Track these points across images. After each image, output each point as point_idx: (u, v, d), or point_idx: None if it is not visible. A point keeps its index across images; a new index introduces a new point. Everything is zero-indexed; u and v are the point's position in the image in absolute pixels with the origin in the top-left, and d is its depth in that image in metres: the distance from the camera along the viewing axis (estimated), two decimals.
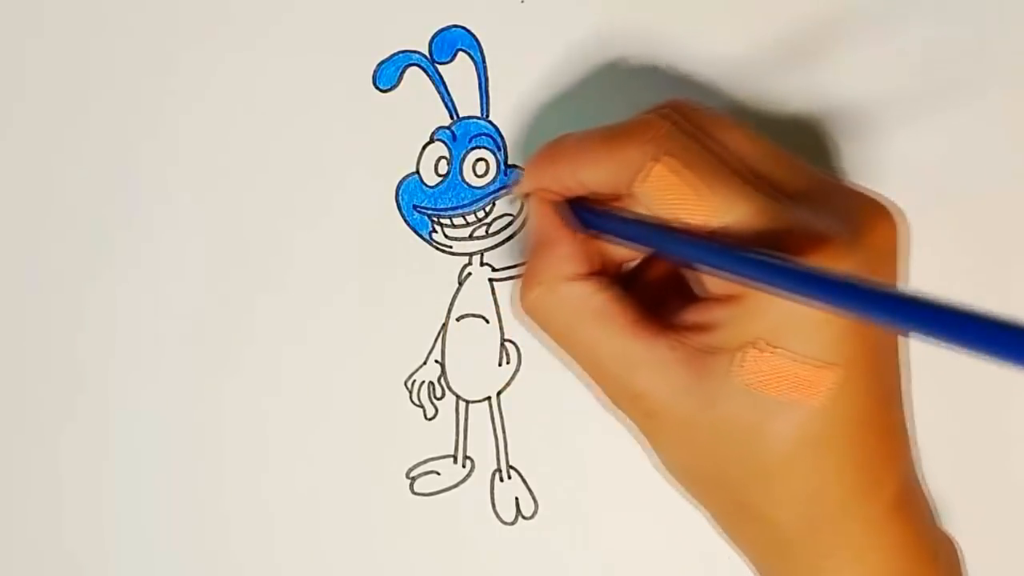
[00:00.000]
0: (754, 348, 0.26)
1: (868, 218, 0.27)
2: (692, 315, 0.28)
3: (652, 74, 0.34)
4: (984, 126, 0.34)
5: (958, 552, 0.31)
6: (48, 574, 0.34)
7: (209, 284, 0.34)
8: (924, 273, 0.32)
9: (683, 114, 0.29)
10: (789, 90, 0.34)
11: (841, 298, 0.23)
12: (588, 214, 0.30)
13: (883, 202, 0.28)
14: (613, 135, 0.29)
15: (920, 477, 0.32)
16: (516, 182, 0.33)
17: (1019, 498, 0.34)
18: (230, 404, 0.34)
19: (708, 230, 0.27)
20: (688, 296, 0.29)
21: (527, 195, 0.31)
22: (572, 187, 0.30)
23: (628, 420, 0.30)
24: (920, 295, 0.21)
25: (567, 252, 0.29)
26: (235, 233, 0.34)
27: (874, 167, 0.33)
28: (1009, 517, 0.33)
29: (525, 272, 0.30)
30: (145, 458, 0.34)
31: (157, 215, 0.34)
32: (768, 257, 0.25)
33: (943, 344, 0.20)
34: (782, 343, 0.26)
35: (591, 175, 0.29)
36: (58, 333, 0.34)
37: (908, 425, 0.30)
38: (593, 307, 0.29)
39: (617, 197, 0.29)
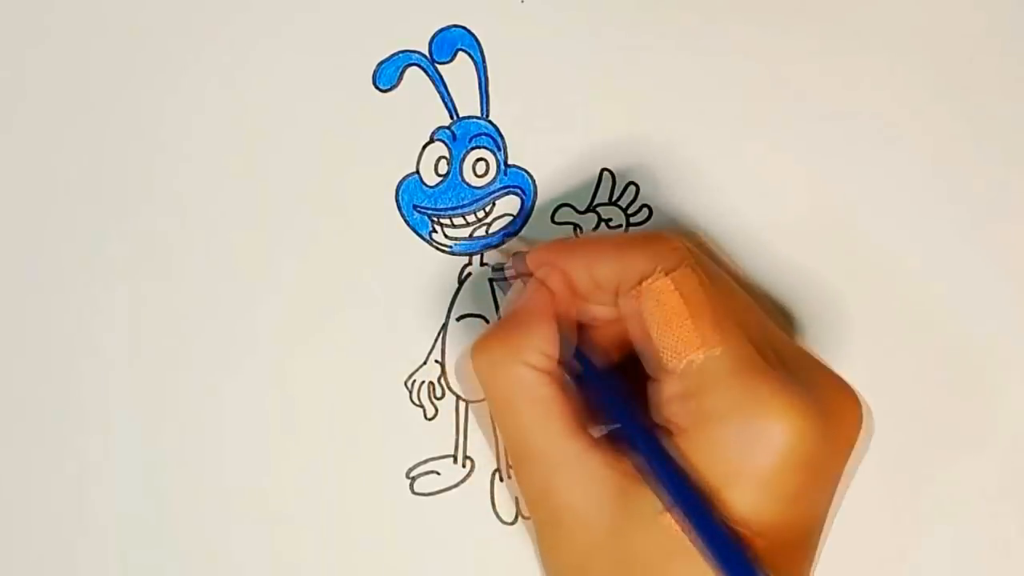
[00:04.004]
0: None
1: (838, 403, 0.28)
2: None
3: (652, 74, 0.34)
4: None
5: None
6: (49, 573, 0.34)
7: (209, 284, 0.34)
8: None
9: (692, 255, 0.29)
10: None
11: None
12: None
13: (854, 392, 0.29)
14: (629, 239, 0.29)
15: None
16: (516, 255, 0.32)
17: None
18: (231, 404, 0.34)
19: (688, 358, 0.27)
20: None
21: (524, 273, 0.31)
22: (570, 280, 0.30)
23: (528, 516, 0.29)
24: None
25: (539, 339, 0.29)
26: (235, 233, 0.34)
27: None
28: None
29: (492, 332, 0.30)
30: (146, 458, 0.34)
31: (157, 216, 0.34)
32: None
33: None
34: (723, 500, 0.26)
35: (596, 270, 0.29)
36: (58, 334, 0.34)
37: None
38: (539, 397, 0.29)
39: (607, 302, 0.29)
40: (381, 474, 0.34)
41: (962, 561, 0.34)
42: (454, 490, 0.34)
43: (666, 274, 0.28)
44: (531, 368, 0.29)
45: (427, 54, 0.34)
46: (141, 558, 0.34)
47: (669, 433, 0.28)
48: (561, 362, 0.29)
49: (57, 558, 0.34)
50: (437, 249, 0.34)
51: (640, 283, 0.28)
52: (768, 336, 0.29)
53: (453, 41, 0.34)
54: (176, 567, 0.34)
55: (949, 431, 0.34)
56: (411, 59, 0.34)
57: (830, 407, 0.27)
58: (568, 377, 0.30)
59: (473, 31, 0.34)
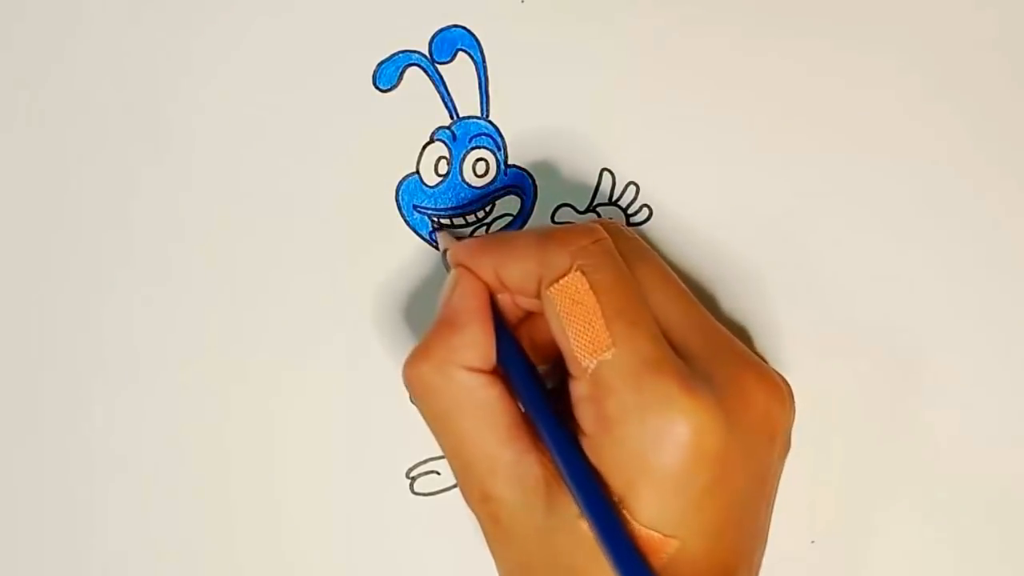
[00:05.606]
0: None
1: (755, 393, 0.27)
2: None
3: (652, 74, 0.34)
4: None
5: None
6: (50, 573, 0.34)
7: (209, 284, 0.34)
8: None
9: (612, 236, 0.29)
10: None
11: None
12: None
13: (775, 377, 0.28)
14: (548, 233, 0.29)
15: None
16: (447, 247, 0.32)
17: None
18: (232, 405, 0.34)
19: (597, 359, 0.27)
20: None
21: (457, 267, 0.30)
22: (497, 275, 0.29)
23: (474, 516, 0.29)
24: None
25: (474, 340, 0.28)
26: (234, 234, 0.34)
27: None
28: None
29: (423, 344, 0.29)
30: (147, 458, 0.34)
31: (157, 216, 0.34)
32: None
33: None
34: (630, 503, 0.26)
35: (517, 266, 0.28)
36: (58, 334, 0.34)
37: None
38: (477, 400, 0.28)
39: (534, 296, 0.29)
40: (381, 474, 0.34)
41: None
42: (454, 490, 0.34)
43: (577, 271, 0.27)
44: (469, 371, 0.28)
45: (427, 54, 0.34)
46: (142, 557, 0.34)
47: (583, 435, 0.27)
48: (500, 359, 0.29)
49: (57, 558, 0.34)
50: (437, 249, 0.34)
51: (556, 280, 0.27)
52: (697, 327, 0.28)
53: (453, 41, 0.34)
54: (177, 567, 0.34)
55: (955, 438, 0.35)
56: (411, 59, 0.34)
57: (742, 398, 0.27)
58: (507, 372, 0.29)
59: (473, 31, 0.34)
